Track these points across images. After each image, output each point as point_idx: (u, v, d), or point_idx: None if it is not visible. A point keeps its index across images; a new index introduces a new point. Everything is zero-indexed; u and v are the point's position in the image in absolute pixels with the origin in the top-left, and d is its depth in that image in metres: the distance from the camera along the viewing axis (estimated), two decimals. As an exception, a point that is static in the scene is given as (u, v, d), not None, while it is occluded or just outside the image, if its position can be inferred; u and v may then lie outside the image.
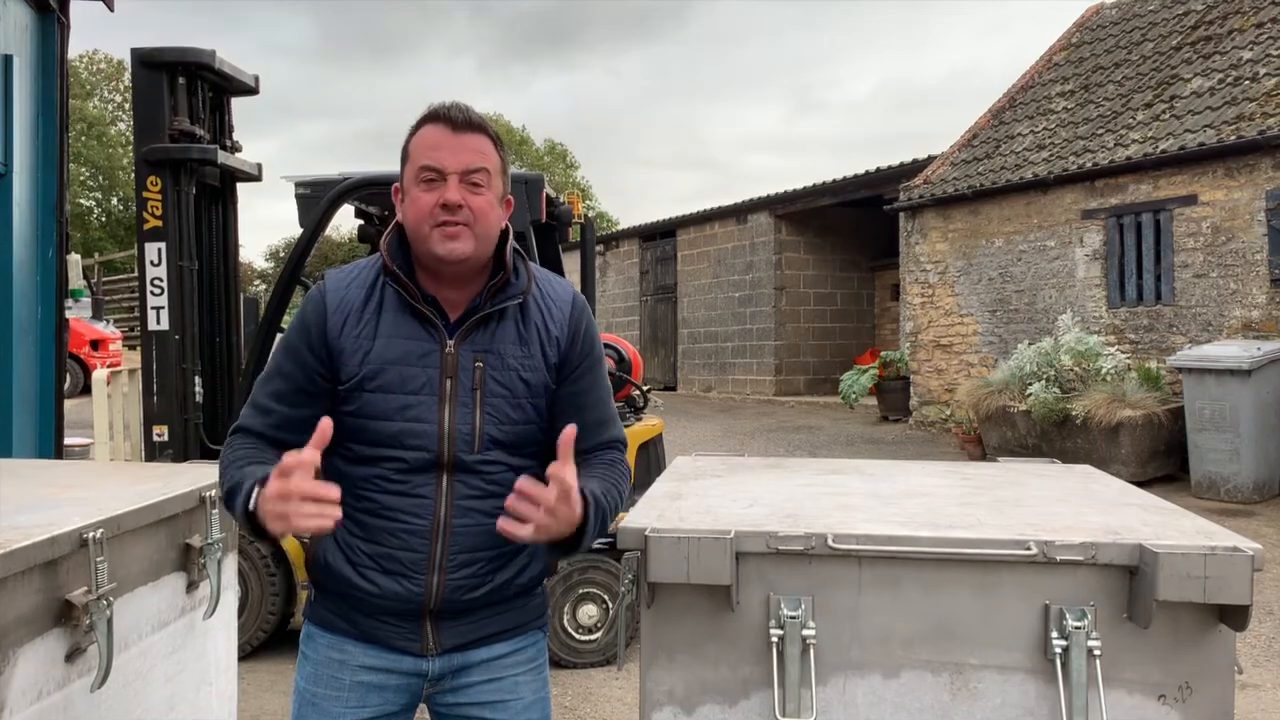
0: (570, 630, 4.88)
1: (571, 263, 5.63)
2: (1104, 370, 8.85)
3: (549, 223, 5.18)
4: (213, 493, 2.43)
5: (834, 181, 15.19)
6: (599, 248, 22.01)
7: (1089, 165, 9.92)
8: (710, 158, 75.74)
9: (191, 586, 2.43)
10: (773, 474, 2.98)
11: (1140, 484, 8.55)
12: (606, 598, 4.91)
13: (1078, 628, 1.94)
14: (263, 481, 1.66)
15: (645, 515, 2.15)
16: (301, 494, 1.60)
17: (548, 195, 4.97)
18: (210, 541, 2.42)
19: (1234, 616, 1.89)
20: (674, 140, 74.17)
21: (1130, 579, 1.96)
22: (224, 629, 2.64)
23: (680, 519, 2.21)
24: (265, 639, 4.85)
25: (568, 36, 71.85)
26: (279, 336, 2.12)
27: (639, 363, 5.14)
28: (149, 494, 2.26)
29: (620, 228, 25.14)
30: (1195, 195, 8.98)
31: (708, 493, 2.50)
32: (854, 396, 12.49)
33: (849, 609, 2.02)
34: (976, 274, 11.32)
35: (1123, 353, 9.15)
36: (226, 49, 5.05)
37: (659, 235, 20.05)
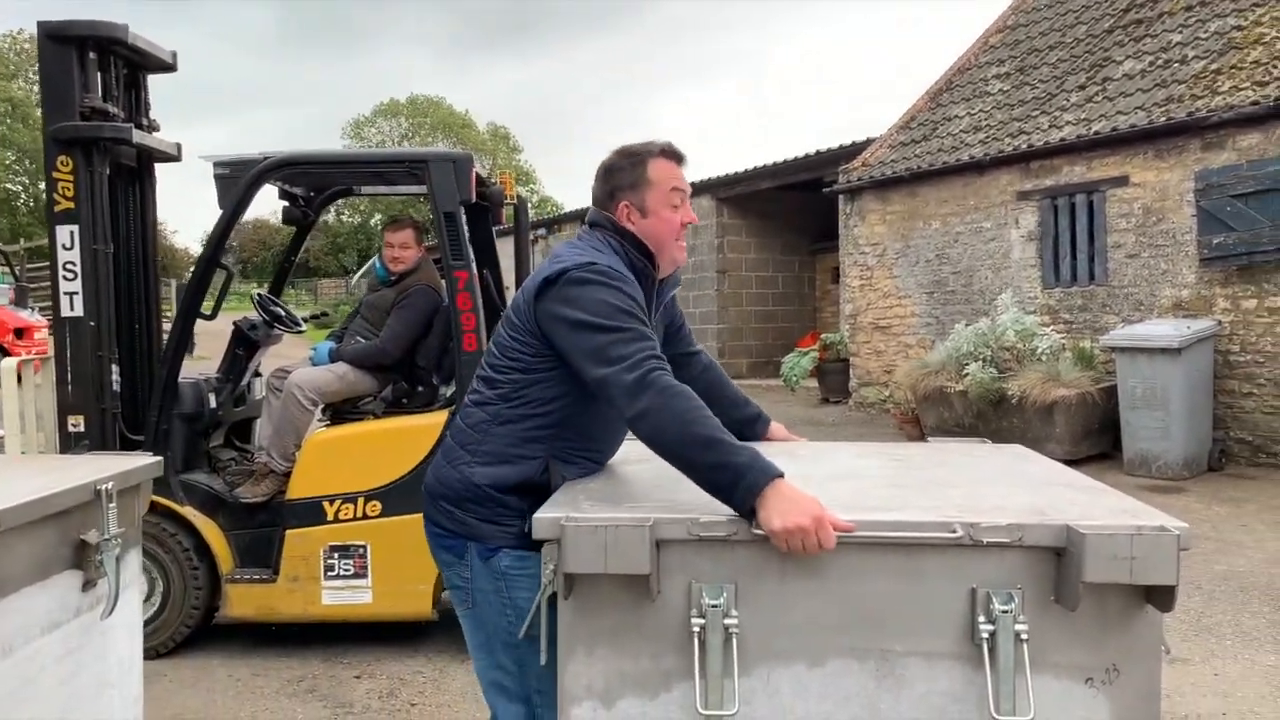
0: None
1: (507, 246, 5.52)
2: (1039, 350, 8.94)
3: (480, 204, 5.06)
4: (109, 485, 2.30)
5: (774, 165, 15.18)
6: (541, 231, 21.82)
7: (1024, 147, 10.00)
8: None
9: (88, 585, 2.30)
10: None
11: (1074, 462, 8.68)
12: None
13: (1005, 611, 1.89)
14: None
15: (564, 502, 2.07)
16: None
17: (478, 175, 4.85)
18: (107, 537, 2.29)
19: (1160, 597, 1.87)
20: (626, 128, 73.97)
21: (1057, 561, 1.93)
22: (126, 629, 2.51)
23: (599, 506, 2.13)
24: (189, 634, 4.69)
25: (526, 27, 71.16)
26: (605, 294, 2.15)
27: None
28: (41, 488, 2.13)
29: (561, 210, 24.94)
30: (1127, 176, 9.09)
31: (631, 479, 2.42)
32: (795, 379, 12.52)
33: (773, 597, 1.96)
34: (914, 256, 11.38)
35: (1057, 333, 9.25)
36: (180, 37, 4.86)
37: (601, 219, 19.91)
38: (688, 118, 78.70)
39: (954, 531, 1.94)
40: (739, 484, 1.91)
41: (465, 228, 4.55)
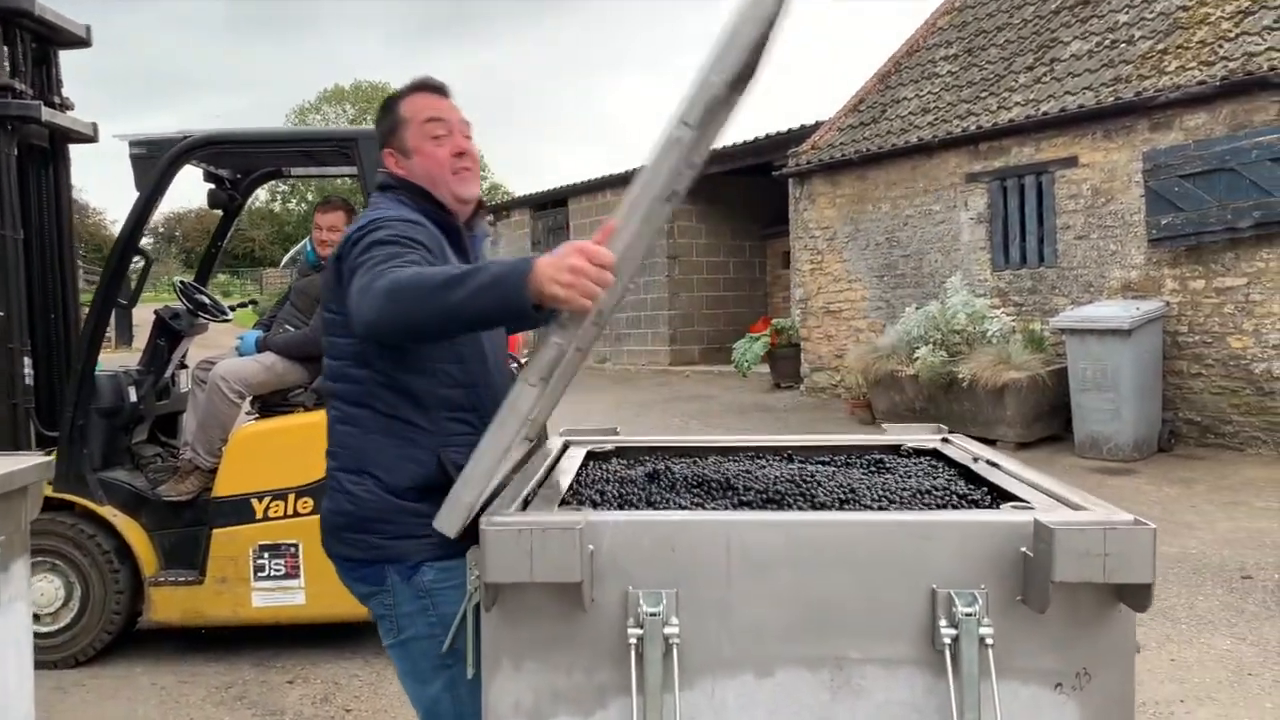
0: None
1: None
2: (989, 333, 8.89)
3: None
4: (-14, 491, 2.08)
5: (724, 149, 15.01)
6: (489, 218, 21.50)
7: (972, 128, 9.94)
8: (612, 132, 75.16)
9: (-35, 600, 2.08)
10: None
11: (1026, 445, 8.67)
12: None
13: (968, 614, 1.75)
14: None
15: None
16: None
17: None
18: (-16, 547, 2.07)
19: (1135, 595, 1.73)
20: (576, 114, 73.28)
21: (1023, 558, 1.79)
22: (14, 646, 2.28)
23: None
24: (111, 640, 4.45)
25: (476, 14, 70.19)
26: (375, 236, 1.94)
27: (516, 337, 4.85)
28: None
29: (510, 197, 24.61)
30: (1075, 157, 9.06)
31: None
32: (747, 365, 12.41)
33: (717, 602, 1.79)
34: (864, 239, 11.30)
35: (1007, 315, 9.21)
36: (130, 23, 4.55)
37: (550, 204, 19.66)
38: (638, 103, 78.36)
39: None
40: (506, 288, 1.69)
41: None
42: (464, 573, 1.89)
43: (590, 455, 2.68)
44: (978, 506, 2.10)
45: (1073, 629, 1.77)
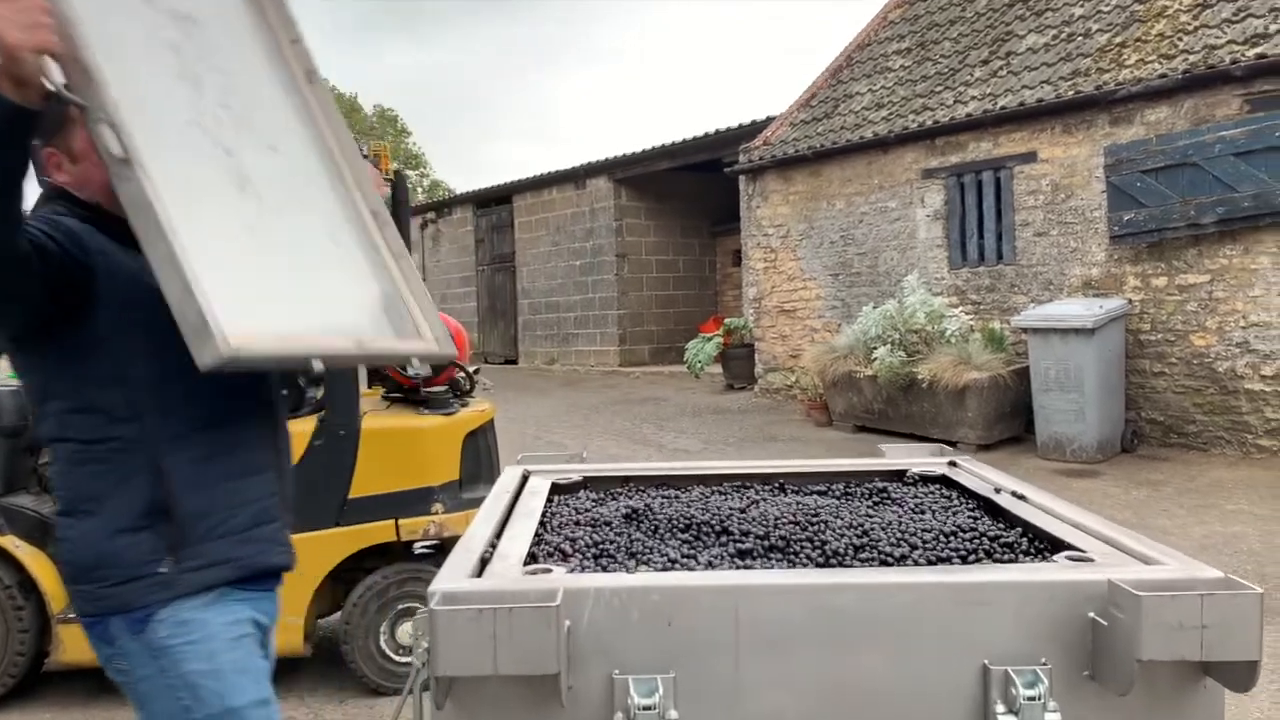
0: (389, 652, 4.23)
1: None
2: (948, 332, 8.68)
3: None
4: None
5: (673, 144, 14.73)
6: (430, 215, 20.99)
7: (929, 123, 9.73)
8: (556, 128, 74.50)
9: None
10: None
11: (987, 447, 8.46)
12: (431, 612, 4.25)
13: (1031, 698, 1.43)
14: None
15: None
16: None
17: None
18: None
19: (1235, 674, 1.43)
20: (522, 110, 72.41)
21: (1093, 626, 1.48)
22: None
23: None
24: (13, 685, 4.00)
25: (419, 11, 68.92)
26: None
27: (463, 339, 4.47)
28: None
29: (454, 194, 24.07)
30: (1034, 152, 8.88)
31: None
32: (699, 365, 12.11)
33: (723, 688, 1.46)
34: (819, 237, 11.05)
35: (966, 314, 9.01)
36: None
37: (494, 201, 19.21)
38: (586, 98, 77.83)
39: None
40: None
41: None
42: (204, 624, 1.65)
43: (555, 488, 2.33)
44: (1018, 553, 1.79)
45: (1152, 711, 1.47)
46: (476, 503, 4.41)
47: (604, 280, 16.28)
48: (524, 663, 1.34)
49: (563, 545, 1.86)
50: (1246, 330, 7.53)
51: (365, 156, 4.70)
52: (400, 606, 4.21)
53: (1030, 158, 8.92)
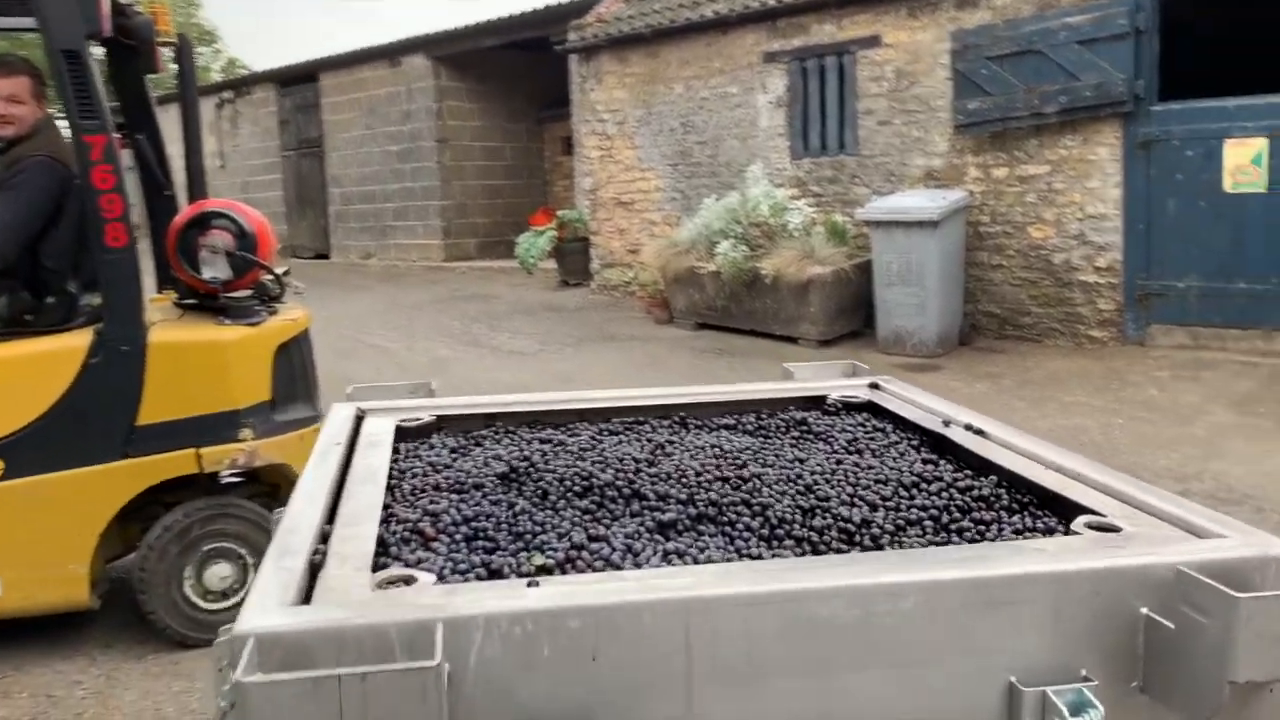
0: (196, 599, 3.67)
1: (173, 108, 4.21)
2: (791, 226, 8.43)
3: (124, 43, 3.74)
4: None
5: (498, 20, 13.79)
6: (228, 94, 19.23)
7: (771, 3, 9.28)
8: (371, 3, 69.85)
9: None
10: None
11: (828, 343, 8.34)
12: (246, 554, 3.72)
13: (1082, 729, 1.09)
14: None
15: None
16: None
17: (116, 3, 3.52)
18: None
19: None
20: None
21: (1146, 625, 1.14)
22: None
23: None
24: None
25: None
26: None
27: (268, 238, 3.81)
28: None
29: (251, 72, 22.11)
30: (878, 36, 8.60)
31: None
32: (532, 261, 11.55)
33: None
34: (657, 124, 10.55)
35: (808, 206, 8.77)
36: None
37: (299, 80, 17.69)
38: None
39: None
40: None
41: (99, 75, 3.36)
42: None
43: (401, 432, 1.83)
44: (999, 509, 1.44)
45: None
46: (291, 426, 3.85)
47: (424, 168, 15.32)
48: (390, 759, 0.87)
49: (421, 524, 1.39)
50: (1083, 222, 7.59)
51: (136, 12, 3.92)
52: (207, 547, 3.66)
53: (874, 42, 8.64)
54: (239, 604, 3.79)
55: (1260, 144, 6.87)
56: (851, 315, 8.41)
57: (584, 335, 9.23)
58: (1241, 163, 6.93)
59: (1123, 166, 7.38)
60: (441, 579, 1.20)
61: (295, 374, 3.93)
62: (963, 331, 8.06)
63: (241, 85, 19.21)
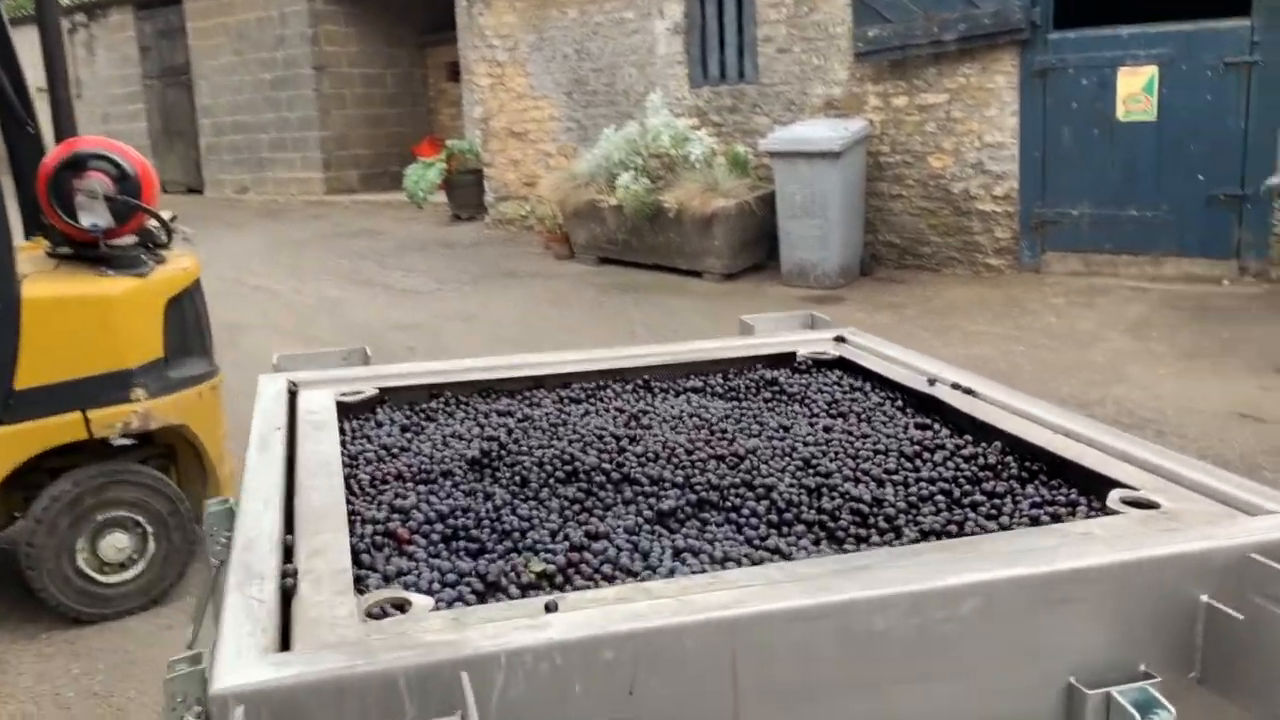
0: (91, 572, 3.41)
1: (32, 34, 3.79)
2: (692, 157, 8.27)
3: None
4: None
5: (374, -60, 13.08)
6: (80, 18, 17.88)
7: (666, -76, 8.99)
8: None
9: None
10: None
11: (732, 276, 8.28)
12: (143, 520, 3.47)
13: (1154, 732, 1.01)
14: None
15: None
16: None
17: None
18: None
19: None
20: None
21: (1206, 614, 1.06)
22: None
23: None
24: None
25: None
26: None
27: (151, 180, 3.49)
28: None
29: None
30: (777, -39, 8.42)
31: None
32: (422, 194, 11.12)
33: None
34: (550, 50, 10.19)
35: (709, 136, 8.61)
36: None
37: (159, 3, 16.55)
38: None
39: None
40: None
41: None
42: None
43: (342, 408, 1.64)
44: (1008, 478, 1.35)
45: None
46: (187, 383, 3.58)
47: (301, 97, 14.57)
48: None
49: (391, 524, 1.22)
50: (981, 151, 7.64)
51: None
52: (101, 517, 3.39)
53: (773, -33, 8.45)
54: (140, 576, 3.53)
55: (1151, 72, 6.99)
56: (755, 248, 8.35)
57: (482, 272, 8.96)
58: (1134, 91, 7.05)
59: (1019, 95, 7.43)
60: (431, 594, 1.05)
61: (188, 327, 3.65)
62: (864, 262, 8.08)
63: (95, 8, 17.88)
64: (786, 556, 1.16)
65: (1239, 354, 5.76)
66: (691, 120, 8.84)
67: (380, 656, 0.86)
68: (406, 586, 1.06)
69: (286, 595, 1.00)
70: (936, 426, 1.57)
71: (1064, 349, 6.12)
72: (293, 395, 1.69)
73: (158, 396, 3.43)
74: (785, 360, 1.94)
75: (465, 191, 11.24)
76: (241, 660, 0.86)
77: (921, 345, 6.18)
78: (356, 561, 1.12)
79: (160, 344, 3.48)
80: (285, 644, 0.91)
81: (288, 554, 1.10)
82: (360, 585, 1.06)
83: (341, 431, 1.54)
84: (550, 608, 0.94)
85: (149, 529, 3.45)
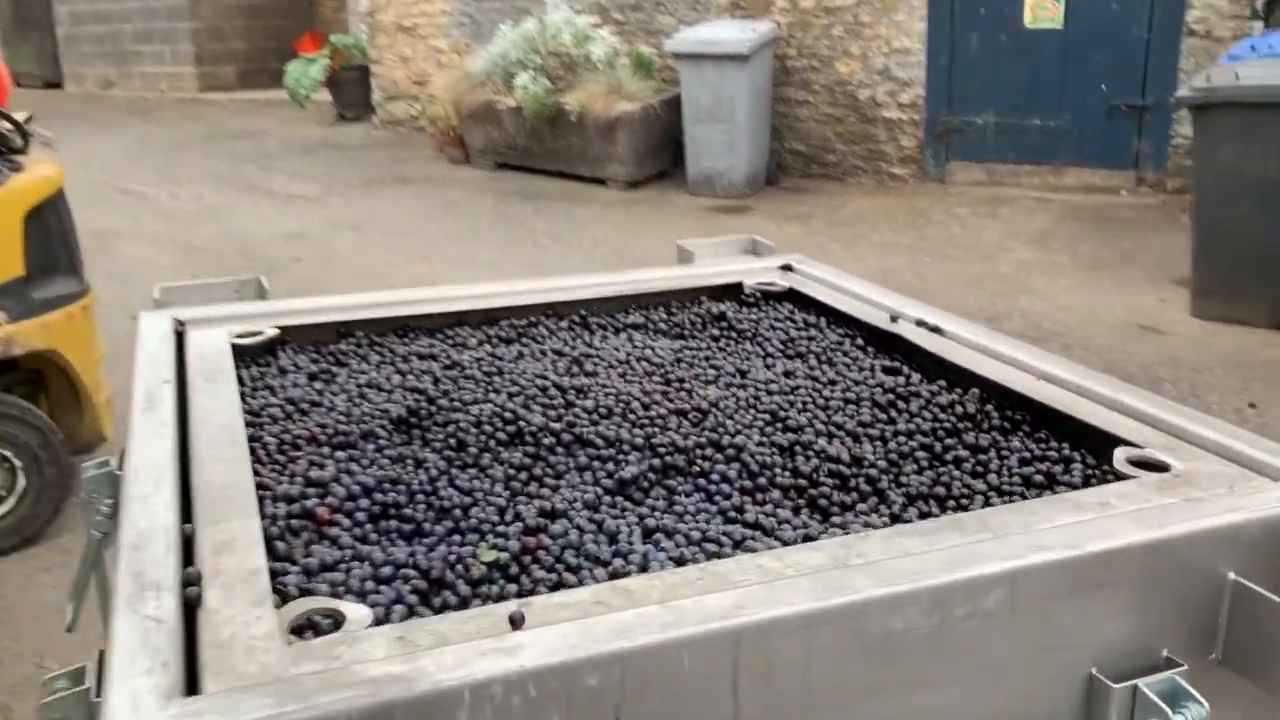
0: (-44, 513, 3.14)
1: None
2: (595, 57, 7.94)
3: None
4: None
5: None
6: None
7: None
8: None
9: None
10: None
11: (637, 184, 8.05)
12: (10, 455, 3.19)
13: (1183, 725, 0.92)
14: None
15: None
16: None
17: None
18: None
19: None
20: None
21: (1234, 596, 0.97)
22: None
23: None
24: None
25: None
26: None
27: (4, 78, 3.11)
28: None
29: None
30: None
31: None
32: (304, 93, 10.50)
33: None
34: (438, -61, 9.62)
35: (612, 35, 8.27)
36: None
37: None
38: None
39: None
40: None
41: None
42: None
43: (238, 352, 1.43)
44: (989, 430, 1.24)
45: (1293, 698, 1.00)
46: (54, 304, 3.27)
47: (170, -15, 13.54)
48: None
49: (308, 501, 1.04)
50: (888, 57, 7.52)
51: None
52: (-36, 452, 3.09)
53: None
54: (9, 514, 3.24)
55: (1058, -22, 6.93)
56: (659, 155, 8.12)
57: (371, 177, 8.53)
58: (1041, -2, 6.99)
59: (927, -1, 7.31)
60: (364, 596, 0.88)
61: (53, 242, 3.32)
62: (770, 171, 7.95)
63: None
64: (769, 532, 1.02)
65: (1138, 265, 5.86)
66: (593, 18, 8.47)
67: (316, 700, 0.69)
68: (334, 588, 0.89)
69: (190, 607, 0.82)
70: (906, 370, 1.45)
71: (969, 260, 6.13)
72: (179, 336, 1.47)
73: (20, 320, 3.14)
74: (731, 291, 1.79)
75: (351, 90, 10.66)
76: (135, 708, 0.68)
77: (832, 258, 6.11)
78: (271, 552, 0.94)
79: (20, 261, 3.17)
80: (192, 677, 0.74)
81: (187, 549, 0.92)
82: (278, 584, 0.89)
83: (240, 382, 1.34)
84: (516, 621, 0.79)
85: (17, 463, 3.18)
